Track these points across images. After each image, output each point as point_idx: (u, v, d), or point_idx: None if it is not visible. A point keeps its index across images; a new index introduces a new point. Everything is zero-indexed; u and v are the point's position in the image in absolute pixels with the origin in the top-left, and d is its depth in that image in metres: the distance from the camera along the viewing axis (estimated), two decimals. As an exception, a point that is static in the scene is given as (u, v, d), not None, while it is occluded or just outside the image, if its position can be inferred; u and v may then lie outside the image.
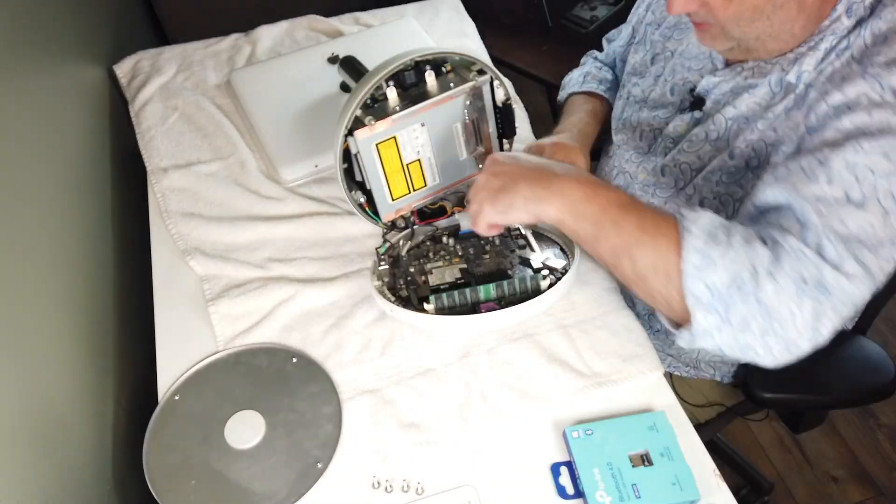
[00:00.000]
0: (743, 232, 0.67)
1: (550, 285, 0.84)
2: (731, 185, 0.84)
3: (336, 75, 1.10)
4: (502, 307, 0.82)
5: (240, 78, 1.15)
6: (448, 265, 0.89)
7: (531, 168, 0.76)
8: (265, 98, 1.11)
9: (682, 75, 0.92)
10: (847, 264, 0.64)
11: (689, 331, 0.67)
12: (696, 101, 0.89)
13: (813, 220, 0.65)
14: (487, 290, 0.84)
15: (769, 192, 0.70)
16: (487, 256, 0.89)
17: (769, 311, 0.63)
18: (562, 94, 1.20)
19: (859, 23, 0.72)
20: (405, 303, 0.85)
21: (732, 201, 0.84)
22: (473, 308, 0.83)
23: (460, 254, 0.90)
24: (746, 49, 0.79)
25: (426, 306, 0.83)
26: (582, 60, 1.24)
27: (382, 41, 1.20)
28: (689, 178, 0.89)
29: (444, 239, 0.93)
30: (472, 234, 0.92)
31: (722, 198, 0.85)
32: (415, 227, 0.93)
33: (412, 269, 0.89)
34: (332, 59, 1.15)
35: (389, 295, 0.86)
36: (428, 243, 0.93)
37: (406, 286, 0.87)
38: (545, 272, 0.86)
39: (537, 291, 0.84)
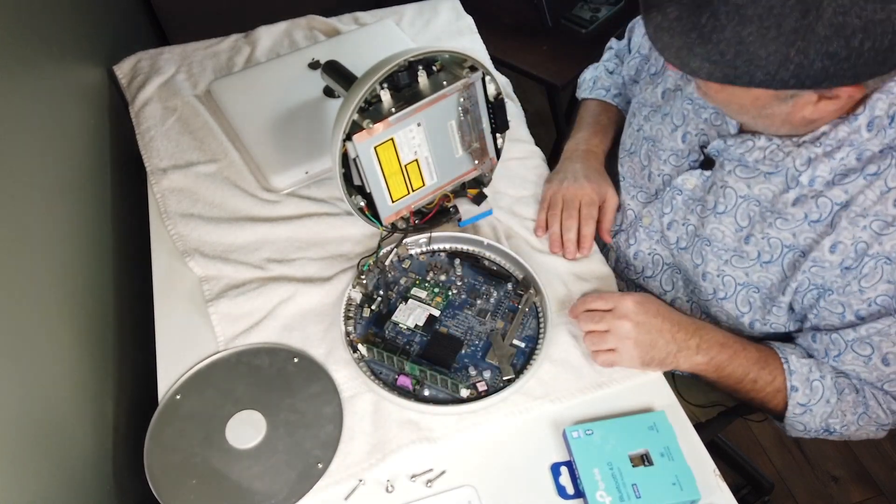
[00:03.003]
0: (833, 379, 0.79)
1: (469, 399, 0.78)
2: (737, 270, 0.83)
3: (318, 81, 1.09)
4: (414, 388, 0.79)
5: (220, 88, 1.13)
6: (427, 302, 0.86)
7: (679, 326, 0.80)
8: (248, 107, 1.09)
9: (695, 124, 0.88)
10: None
11: (783, 429, 0.86)
12: (707, 161, 0.86)
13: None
14: (413, 368, 0.80)
15: (852, 357, 0.78)
16: (470, 313, 0.86)
17: (851, 436, 0.82)
18: (578, 93, 1.19)
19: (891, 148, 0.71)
20: (376, 316, 0.85)
21: (735, 284, 0.84)
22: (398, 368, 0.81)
23: (448, 292, 0.87)
24: (744, 124, 0.79)
25: (360, 346, 0.81)
26: (606, 49, 1.20)
27: (362, 45, 1.19)
28: (693, 243, 0.88)
29: (455, 262, 0.90)
30: (480, 269, 0.90)
31: (725, 278, 0.85)
32: (408, 231, 0.92)
33: (395, 285, 0.88)
34: (313, 65, 1.14)
35: (355, 300, 0.87)
36: (434, 258, 0.92)
37: (382, 301, 0.86)
38: (477, 387, 0.79)
39: (457, 398, 0.78)
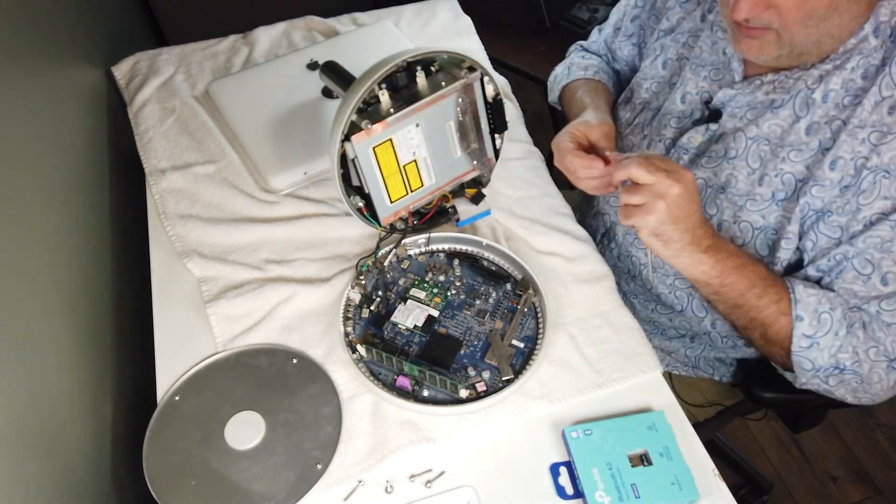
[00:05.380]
0: (843, 312, 0.76)
1: (468, 400, 0.78)
2: (753, 213, 0.83)
3: (316, 81, 1.09)
4: (413, 389, 0.79)
5: (219, 89, 1.13)
6: (426, 303, 0.86)
7: (701, 222, 0.77)
8: (247, 108, 1.09)
9: (693, 83, 0.89)
10: None
11: (794, 379, 0.81)
12: (712, 114, 0.86)
13: None
14: (412, 369, 0.79)
15: (849, 273, 0.76)
16: (469, 313, 0.85)
17: (862, 379, 0.76)
18: (552, 96, 1.19)
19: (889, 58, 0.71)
20: (375, 317, 0.85)
21: (752, 229, 0.84)
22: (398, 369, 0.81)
23: (448, 292, 0.87)
24: (798, 54, 0.76)
25: (359, 347, 0.82)
26: (567, 53, 1.22)
27: (360, 46, 1.19)
28: (705, 194, 0.87)
29: (454, 263, 0.90)
30: (479, 270, 0.90)
31: (741, 224, 0.84)
32: (406, 232, 0.92)
33: (394, 286, 0.88)
34: (312, 66, 1.14)
35: (354, 300, 0.86)
36: (433, 258, 0.91)
37: (381, 302, 0.86)
38: (476, 388, 0.79)
39: (455, 398, 0.79)
